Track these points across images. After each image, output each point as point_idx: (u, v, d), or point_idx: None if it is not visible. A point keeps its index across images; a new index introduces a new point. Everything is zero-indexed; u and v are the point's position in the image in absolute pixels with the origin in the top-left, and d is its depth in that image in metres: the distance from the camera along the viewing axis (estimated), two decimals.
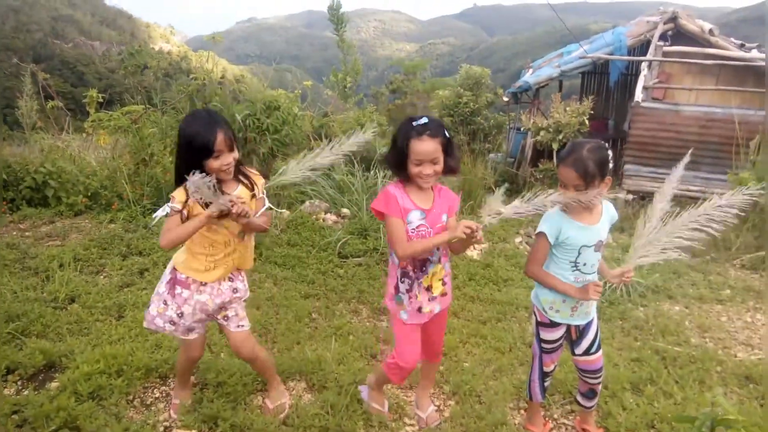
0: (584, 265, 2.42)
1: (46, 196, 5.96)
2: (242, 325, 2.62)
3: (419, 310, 2.51)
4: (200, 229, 2.34)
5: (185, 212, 2.32)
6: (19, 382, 2.95)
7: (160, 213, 2.35)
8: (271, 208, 2.55)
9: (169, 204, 2.32)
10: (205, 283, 2.49)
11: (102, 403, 2.75)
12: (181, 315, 2.50)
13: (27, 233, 5.27)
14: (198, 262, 2.47)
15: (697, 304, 4.63)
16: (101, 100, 9.16)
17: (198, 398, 2.82)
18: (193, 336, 2.58)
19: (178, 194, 2.32)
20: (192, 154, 2.27)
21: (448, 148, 2.32)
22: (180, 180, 2.29)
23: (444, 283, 2.55)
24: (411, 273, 2.47)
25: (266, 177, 2.58)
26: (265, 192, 2.54)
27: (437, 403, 3.03)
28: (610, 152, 2.33)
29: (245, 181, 2.47)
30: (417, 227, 2.38)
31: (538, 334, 2.61)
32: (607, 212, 2.46)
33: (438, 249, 2.44)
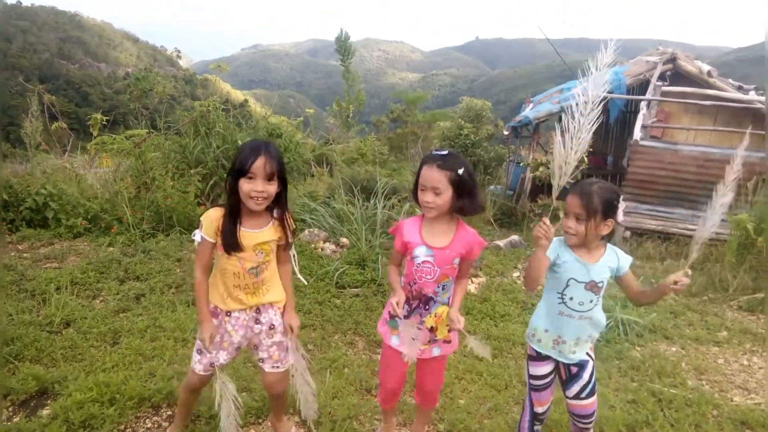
0: (571, 299, 2.41)
1: (46, 218, 5.98)
2: (277, 366, 2.56)
3: (412, 339, 2.44)
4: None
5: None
6: (10, 408, 2.92)
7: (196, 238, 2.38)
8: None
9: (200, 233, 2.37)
10: (229, 314, 2.46)
11: None
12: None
13: (25, 255, 5.27)
14: (216, 291, 2.45)
15: (693, 345, 4.62)
16: (105, 122, 9.26)
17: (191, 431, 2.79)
18: (209, 372, 2.51)
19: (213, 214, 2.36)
20: (233, 173, 2.28)
21: (460, 186, 2.29)
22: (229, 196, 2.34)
23: (450, 330, 2.49)
24: (412, 303, 2.43)
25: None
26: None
27: None
28: (620, 199, 2.35)
29: (281, 228, 2.45)
30: (422, 263, 2.37)
31: (527, 369, 2.61)
32: (611, 258, 2.42)
33: (444, 290, 2.41)
